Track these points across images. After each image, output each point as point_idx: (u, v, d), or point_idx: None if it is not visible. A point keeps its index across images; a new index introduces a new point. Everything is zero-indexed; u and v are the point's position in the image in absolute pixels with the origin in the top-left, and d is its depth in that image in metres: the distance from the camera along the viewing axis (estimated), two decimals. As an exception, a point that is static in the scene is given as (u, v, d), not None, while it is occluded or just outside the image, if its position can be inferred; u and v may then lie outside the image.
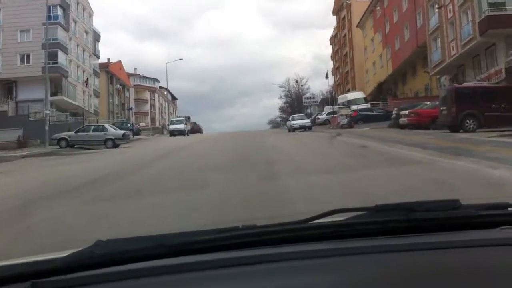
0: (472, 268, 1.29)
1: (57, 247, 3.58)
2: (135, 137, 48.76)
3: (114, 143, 31.26)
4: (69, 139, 31.44)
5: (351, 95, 49.88)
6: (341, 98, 51.28)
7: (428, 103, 28.31)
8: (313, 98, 65.27)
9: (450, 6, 38.46)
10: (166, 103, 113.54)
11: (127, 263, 1.36)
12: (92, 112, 69.77)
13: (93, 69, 70.88)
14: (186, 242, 1.46)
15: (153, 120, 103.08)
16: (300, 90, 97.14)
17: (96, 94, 71.66)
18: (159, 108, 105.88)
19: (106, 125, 33.32)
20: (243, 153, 17.14)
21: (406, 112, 27.04)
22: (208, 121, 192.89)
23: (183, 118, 64.75)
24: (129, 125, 56.88)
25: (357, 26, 67.56)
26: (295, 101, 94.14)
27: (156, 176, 11.54)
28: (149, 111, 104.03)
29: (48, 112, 33.49)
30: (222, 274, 1.30)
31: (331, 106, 61.51)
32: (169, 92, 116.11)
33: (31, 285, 1.26)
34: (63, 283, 1.29)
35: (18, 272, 1.33)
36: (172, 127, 58.62)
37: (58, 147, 30.96)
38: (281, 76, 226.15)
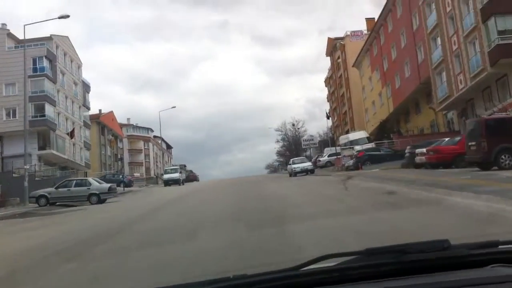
0: None
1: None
2: (127, 189, 45.60)
3: (99, 198, 28.07)
4: (49, 196, 28.18)
5: (353, 135, 47.15)
6: (343, 139, 48.52)
7: (446, 139, 25.41)
8: (312, 140, 62.32)
9: (455, 38, 36.14)
10: (161, 152, 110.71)
11: None
12: (83, 164, 66.73)
13: (83, 121, 68.29)
14: None
15: (148, 170, 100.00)
16: (297, 133, 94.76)
17: (87, 146, 68.78)
18: (153, 158, 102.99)
19: (90, 179, 30.15)
20: (244, 207, 14.09)
21: (423, 150, 24.09)
22: (205, 168, 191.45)
23: (178, 167, 61.68)
24: (121, 176, 53.80)
25: (353, 66, 65.57)
26: (293, 144, 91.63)
27: (125, 251, 8.33)
28: (143, 161, 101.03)
29: (27, 167, 30.25)
30: None
31: (331, 148, 58.84)
32: (163, 140, 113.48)
33: None
34: None
35: None
36: (166, 176, 55.72)
37: (37, 205, 27.74)
38: (276, 120, 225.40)
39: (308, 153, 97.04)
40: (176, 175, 54.96)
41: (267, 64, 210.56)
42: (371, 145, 42.96)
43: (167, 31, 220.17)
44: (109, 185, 29.64)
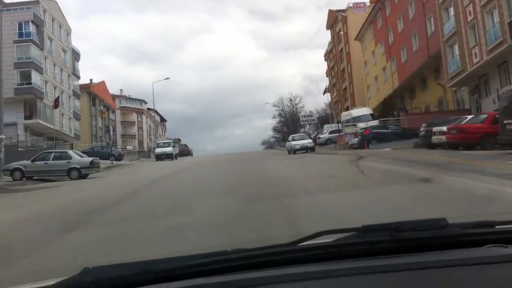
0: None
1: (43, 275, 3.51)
2: (116, 163, 42.91)
3: (80, 173, 25.41)
4: (24, 169, 25.47)
5: (356, 112, 44.30)
6: (345, 115, 45.67)
7: (468, 117, 22.73)
8: (311, 116, 59.57)
9: (470, 8, 33.16)
10: (155, 125, 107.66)
11: None
12: (72, 135, 63.86)
13: (73, 90, 65.17)
14: (174, 268, 1.45)
15: (140, 143, 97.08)
16: (294, 109, 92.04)
17: (77, 117, 65.79)
18: (147, 131, 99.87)
19: (70, 152, 27.34)
20: (242, 192, 11.43)
21: (443, 128, 21.40)
22: (200, 143, 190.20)
23: (171, 141, 59.05)
24: (111, 149, 51.03)
25: (355, 39, 62.44)
26: (289, 120, 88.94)
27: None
28: (136, 134, 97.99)
29: (3, 137, 27.36)
30: None
31: (332, 125, 56.12)
32: (157, 113, 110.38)
33: None
34: None
35: None
36: (158, 150, 53.16)
37: (12, 179, 25.06)
38: (273, 96, 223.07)
39: (306, 129, 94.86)
40: (169, 149, 52.73)
41: (264, 39, 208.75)
42: (375, 122, 40.24)
43: (163, 3, 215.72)
44: (91, 159, 26.91)
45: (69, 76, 64.46)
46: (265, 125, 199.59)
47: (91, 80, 76.84)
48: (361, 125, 39.85)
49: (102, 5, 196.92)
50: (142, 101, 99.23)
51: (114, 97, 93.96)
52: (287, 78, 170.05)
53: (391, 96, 50.10)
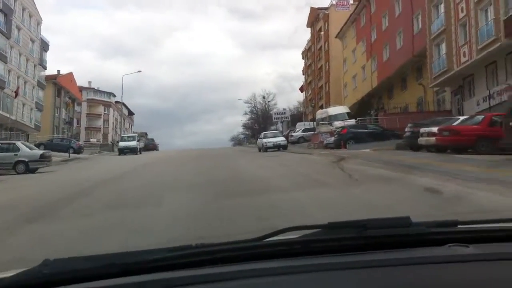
0: (422, 286, 1.31)
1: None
2: (74, 156, 39.79)
3: (27, 166, 22.66)
4: (-36, 163, 22.50)
5: (332, 110, 41.98)
6: (320, 113, 43.33)
7: (460, 118, 20.62)
8: (284, 113, 57.32)
9: (463, 4, 31.13)
10: (122, 118, 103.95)
11: (77, 282, 1.31)
12: (33, 126, 60.21)
13: (37, 80, 61.47)
14: (138, 261, 1.42)
15: (105, 136, 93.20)
16: (266, 106, 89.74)
17: (39, 107, 62.12)
18: (113, 123, 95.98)
19: (19, 143, 24.28)
20: (212, 192, 8.98)
21: (432, 129, 19.15)
22: (170, 137, 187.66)
23: (136, 135, 56.08)
24: (71, 142, 47.68)
25: (336, 37, 60.19)
26: (261, 117, 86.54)
27: None
28: (101, 127, 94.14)
29: None
30: None
31: (305, 123, 53.90)
32: (125, 106, 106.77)
33: None
34: None
35: None
36: (122, 144, 50.35)
37: None
38: (245, 93, 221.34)
39: (277, 127, 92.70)
40: (133, 143, 50.14)
41: (242, 38, 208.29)
42: (351, 121, 38.09)
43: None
44: (41, 152, 24.11)
45: (35, 66, 60.95)
46: (235, 122, 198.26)
47: (58, 71, 73.02)
48: (338, 124, 37.67)
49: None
50: (110, 94, 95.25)
51: (82, 89, 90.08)
52: (262, 76, 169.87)
53: (369, 95, 48.02)
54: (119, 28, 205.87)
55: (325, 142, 32.65)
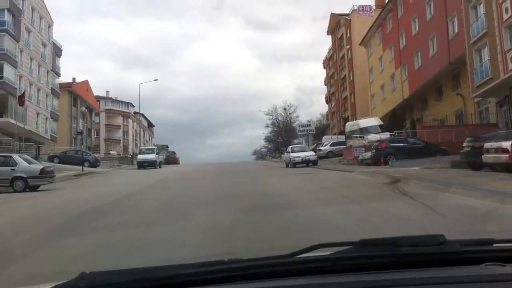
0: None
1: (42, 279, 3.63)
2: (88, 170, 37.20)
3: (26, 183, 19.91)
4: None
5: (364, 122, 38.99)
6: (350, 126, 40.36)
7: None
8: (309, 126, 54.17)
9: (507, 4, 28.01)
10: (141, 130, 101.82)
11: None
12: (48, 137, 58.02)
13: (51, 88, 59.25)
14: (170, 276, 1.44)
15: (125, 148, 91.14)
16: (288, 119, 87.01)
17: (54, 117, 59.98)
18: (133, 135, 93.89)
19: (16, 157, 21.44)
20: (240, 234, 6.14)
21: (504, 144, 16.02)
22: (192, 150, 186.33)
23: (155, 147, 53.65)
24: (86, 154, 45.25)
25: (360, 44, 57.21)
26: (283, 130, 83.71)
27: None
28: (121, 138, 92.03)
29: None
30: None
31: (332, 136, 50.88)
32: (144, 117, 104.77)
33: None
34: None
35: None
36: (140, 157, 48.00)
37: None
38: (265, 106, 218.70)
39: (299, 140, 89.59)
40: (152, 156, 47.92)
41: (259, 49, 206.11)
42: (386, 134, 35.02)
43: (161, 9, 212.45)
44: (41, 166, 21.26)
45: (47, 72, 58.54)
46: (256, 135, 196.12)
47: (74, 78, 71.05)
48: (371, 137, 34.64)
49: (99, 8, 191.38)
50: (129, 104, 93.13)
51: (99, 98, 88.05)
52: (280, 89, 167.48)
53: (401, 106, 44.82)
54: (137, 38, 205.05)
55: (360, 157, 29.64)
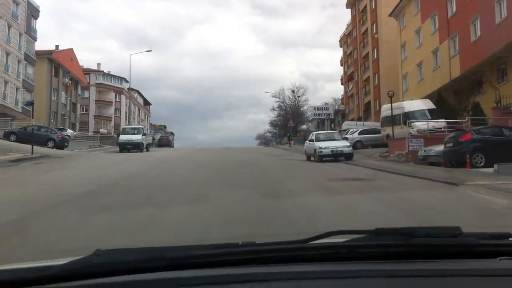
0: None
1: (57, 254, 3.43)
2: (49, 152, 27.90)
3: None
4: None
5: (409, 105, 29.26)
6: (388, 109, 30.81)
7: None
8: (326, 109, 44.71)
9: None
10: (136, 108, 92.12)
11: (125, 274, 1.32)
12: (19, 110, 48.49)
13: (25, 53, 49.43)
14: (185, 256, 1.43)
15: (117, 126, 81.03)
16: (296, 102, 77.31)
17: (28, 87, 50.22)
18: (126, 113, 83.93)
19: None
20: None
21: None
22: (193, 132, 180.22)
23: (141, 127, 44.28)
24: (51, 131, 35.72)
25: (390, 15, 47.20)
26: (290, 114, 74.16)
27: None
28: (112, 116, 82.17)
29: None
30: None
31: (358, 122, 41.43)
32: (140, 94, 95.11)
33: None
34: None
35: (16, 277, 1.32)
36: (123, 138, 38.98)
37: None
38: (269, 90, 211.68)
39: (308, 126, 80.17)
40: (137, 138, 39.02)
41: (265, 34, 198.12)
42: (442, 121, 25.69)
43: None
44: None
45: (20, 35, 48.67)
46: (259, 119, 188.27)
47: (57, 46, 61.19)
48: (420, 125, 25.27)
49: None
50: (122, 79, 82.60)
51: (89, 71, 78.47)
52: (285, 74, 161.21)
53: (444, 88, 35.20)
54: (142, 18, 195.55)
55: (421, 153, 20.12)
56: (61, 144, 33.48)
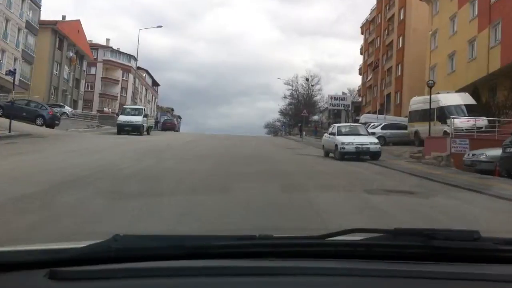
0: None
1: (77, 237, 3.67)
2: (32, 130, 24.52)
3: None
4: None
5: (445, 98, 25.40)
6: (419, 102, 26.92)
7: None
8: (344, 99, 40.94)
9: None
10: (144, 88, 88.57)
11: (143, 260, 1.32)
12: (17, 83, 44.97)
13: (26, 21, 45.84)
14: (204, 246, 1.43)
15: (122, 106, 77.81)
16: (310, 91, 73.43)
17: (27, 59, 46.73)
18: (132, 92, 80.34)
19: None
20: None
21: None
22: (203, 117, 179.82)
23: (142, 107, 40.70)
24: (41, 107, 32.19)
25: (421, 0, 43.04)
26: (302, 104, 70.34)
27: None
28: (118, 95, 78.53)
29: None
30: (237, 282, 1.27)
31: (379, 116, 37.68)
32: (148, 74, 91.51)
33: (49, 273, 1.23)
34: (80, 274, 1.26)
35: (37, 258, 1.32)
36: (122, 119, 35.80)
37: None
38: (280, 79, 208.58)
39: (320, 117, 76.28)
40: (137, 119, 35.44)
41: (281, 21, 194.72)
42: (482, 120, 21.93)
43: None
44: None
45: (23, 1, 45.17)
46: (269, 108, 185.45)
47: (63, 16, 57.72)
48: (459, 122, 21.55)
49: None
50: (131, 57, 78.91)
51: (98, 47, 74.99)
52: (298, 63, 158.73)
53: (482, 83, 31.28)
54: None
55: (467, 157, 16.33)
56: (50, 121, 30.04)
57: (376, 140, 19.53)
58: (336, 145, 19.43)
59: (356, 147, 18.90)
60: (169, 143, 25.25)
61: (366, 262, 1.39)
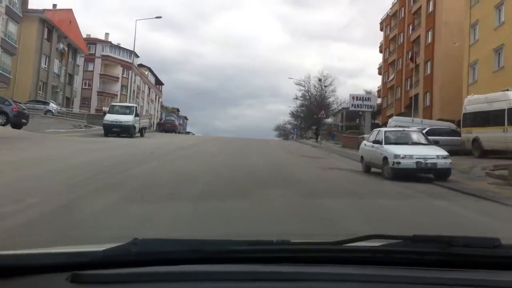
0: None
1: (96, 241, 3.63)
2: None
3: None
4: None
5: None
6: (479, 102, 20.74)
7: None
8: (368, 100, 34.98)
9: None
10: (146, 86, 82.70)
11: (161, 264, 1.31)
12: (-6, 77, 39.27)
13: (6, 6, 39.94)
14: (223, 251, 1.42)
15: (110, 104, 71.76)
16: (323, 92, 67.46)
17: (8, 49, 40.80)
18: (133, 91, 74.41)
19: None
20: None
21: None
22: (212, 118, 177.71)
23: (133, 106, 34.67)
24: (5, 102, 26.10)
25: (457, -12, 36.91)
26: (314, 105, 64.55)
27: None
28: (118, 93, 72.41)
29: None
30: (255, 287, 1.26)
31: (415, 119, 31.55)
32: (151, 72, 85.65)
33: (71, 276, 1.22)
34: (102, 278, 1.25)
35: (59, 261, 1.32)
36: (110, 118, 30.25)
37: None
38: (290, 82, 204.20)
39: (333, 119, 70.31)
40: (127, 119, 29.98)
41: (291, 24, 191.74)
42: None
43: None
44: None
45: (2, -16, 39.37)
46: (278, 110, 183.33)
47: (54, 5, 51.80)
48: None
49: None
50: (132, 53, 72.84)
51: (96, 41, 69.32)
52: (307, 67, 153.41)
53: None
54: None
55: None
56: (15, 120, 24.11)
57: (445, 153, 13.40)
58: (386, 158, 13.37)
59: (416, 162, 12.84)
60: (157, 149, 19.26)
61: (384, 268, 1.36)
